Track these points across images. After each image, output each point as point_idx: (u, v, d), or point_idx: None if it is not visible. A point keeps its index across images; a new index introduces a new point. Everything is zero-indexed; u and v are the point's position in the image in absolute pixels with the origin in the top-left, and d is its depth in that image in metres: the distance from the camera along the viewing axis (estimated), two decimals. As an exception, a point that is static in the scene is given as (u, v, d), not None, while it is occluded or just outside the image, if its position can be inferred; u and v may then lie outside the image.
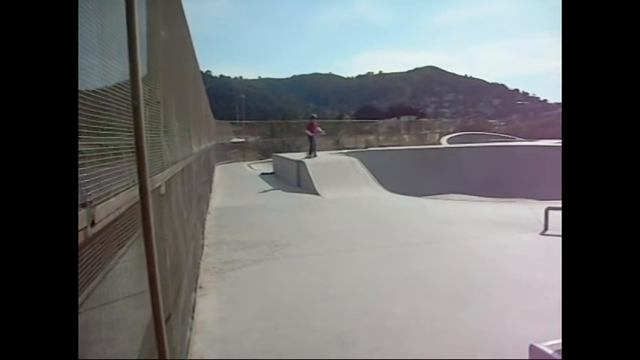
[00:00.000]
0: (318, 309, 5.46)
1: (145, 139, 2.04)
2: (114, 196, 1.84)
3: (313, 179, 16.18)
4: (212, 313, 5.35)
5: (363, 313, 5.26)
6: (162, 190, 2.86)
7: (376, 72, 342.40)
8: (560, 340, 2.70)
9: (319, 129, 21.17)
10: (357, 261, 7.52)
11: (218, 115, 33.20)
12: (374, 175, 17.56)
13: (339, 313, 5.30)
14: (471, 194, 19.39)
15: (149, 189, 2.08)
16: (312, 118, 21.99)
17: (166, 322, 2.44)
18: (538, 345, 2.73)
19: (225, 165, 28.52)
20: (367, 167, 17.91)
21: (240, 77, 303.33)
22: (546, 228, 9.12)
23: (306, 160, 17.86)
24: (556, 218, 8.89)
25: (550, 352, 2.66)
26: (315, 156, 19.69)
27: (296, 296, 5.92)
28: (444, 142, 38.06)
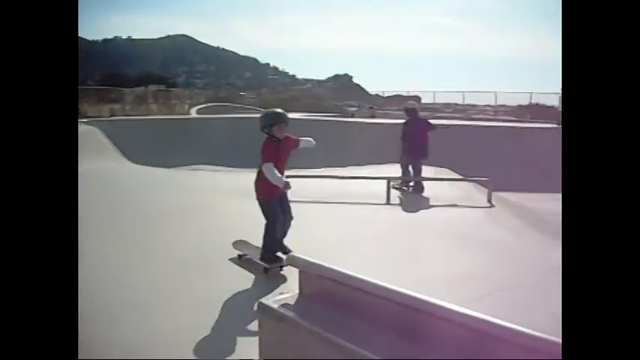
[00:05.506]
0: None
1: None
2: None
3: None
4: None
5: (109, 289, 5.14)
6: None
7: (124, 36, 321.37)
8: (285, 295, 2.91)
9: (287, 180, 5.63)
10: (100, 236, 6.95)
11: None
12: (117, 146, 16.66)
13: (82, 291, 5.01)
14: (219, 165, 19.81)
15: None
16: (277, 122, 5.53)
17: None
18: (265, 301, 2.88)
19: None
20: (110, 137, 16.89)
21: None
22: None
23: None
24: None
25: (276, 306, 2.81)
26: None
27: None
28: (194, 113, 37.86)
